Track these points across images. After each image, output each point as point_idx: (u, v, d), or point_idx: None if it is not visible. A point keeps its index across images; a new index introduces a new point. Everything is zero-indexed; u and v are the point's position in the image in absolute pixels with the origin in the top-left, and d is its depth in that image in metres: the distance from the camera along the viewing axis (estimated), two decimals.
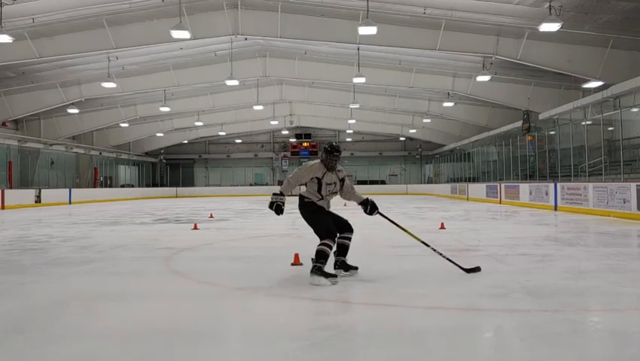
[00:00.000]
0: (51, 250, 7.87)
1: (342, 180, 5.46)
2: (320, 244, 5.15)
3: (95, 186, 33.76)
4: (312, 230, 5.35)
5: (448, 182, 34.87)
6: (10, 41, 14.17)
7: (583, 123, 17.33)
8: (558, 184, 16.56)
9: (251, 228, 11.35)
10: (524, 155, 22.92)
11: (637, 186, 12.11)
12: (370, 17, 14.07)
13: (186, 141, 42.03)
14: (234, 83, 21.39)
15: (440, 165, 39.57)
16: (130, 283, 5.43)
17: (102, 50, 17.87)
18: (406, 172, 44.58)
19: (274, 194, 5.27)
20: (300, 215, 5.39)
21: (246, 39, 19.25)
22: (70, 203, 26.40)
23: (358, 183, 42.99)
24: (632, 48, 16.14)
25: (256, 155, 45.06)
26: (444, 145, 38.56)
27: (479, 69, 19.42)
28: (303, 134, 43.82)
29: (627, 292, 4.73)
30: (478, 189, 25.70)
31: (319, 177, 5.26)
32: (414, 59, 20.92)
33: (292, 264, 6.02)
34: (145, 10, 16.35)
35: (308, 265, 5.97)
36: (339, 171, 5.44)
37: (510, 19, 15.47)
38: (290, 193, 5.32)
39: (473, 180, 29.36)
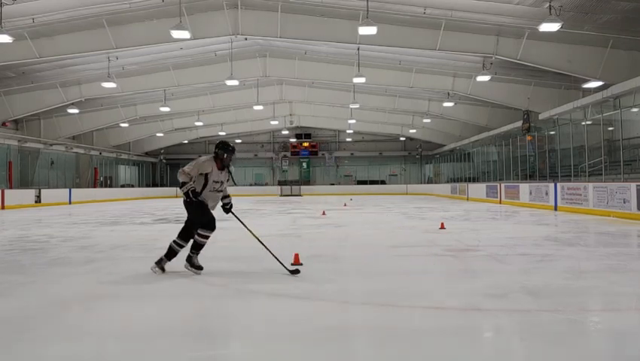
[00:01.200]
0: (51, 250, 7.87)
1: (228, 180, 5.78)
2: (199, 235, 5.61)
3: (95, 186, 33.77)
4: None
5: (448, 182, 34.88)
6: (10, 41, 14.16)
7: (583, 123, 17.33)
8: (558, 184, 16.56)
9: (250, 228, 11.34)
10: (524, 155, 22.92)
11: (637, 186, 12.11)
12: (370, 17, 14.06)
13: (186, 141, 42.03)
14: (234, 83, 21.39)
15: (440, 165, 39.59)
16: (130, 283, 5.43)
17: (102, 50, 17.86)
18: (407, 172, 44.59)
19: (181, 187, 5.58)
20: (184, 204, 5.70)
21: (246, 39, 19.25)
22: (70, 203, 26.40)
23: (358, 183, 43.11)
24: (632, 48, 16.14)
25: (256, 155, 45.06)
26: (444, 145, 38.56)
27: (479, 69, 19.41)
28: (303, 134, 43.83)
29: (627, 292, 4.73)
30: (478, 189, 25.71)
31: (207, 173, 5.51)
32: (414, 59, 20.92)
33: (292, 264, 6.01)
34: (145, 10, 16.35)
35: (308, 264, 6.00)
36: (228, 170, 5.71)
37: (510, 19, 15.47)
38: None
39: (474, 180, 29.37)
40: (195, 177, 5.51)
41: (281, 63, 23.04)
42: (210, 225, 5.60)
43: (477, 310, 4.16)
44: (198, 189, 5.52)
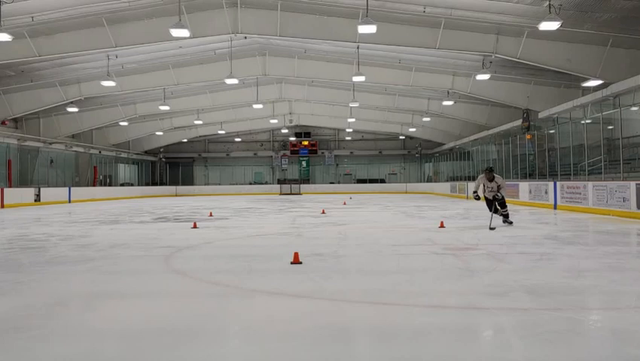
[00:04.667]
0: (51, 249, 7.86)
1: (498, 186, 10.54)
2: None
3: (94, 185, 33.77)
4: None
5: (447, 181, 34.89)
6: (10, 40, 14.13)
7: (583, 122, 17.32)
8: (557, 183, 16.56)
9: (250, 227, 11.36)
10: (524, 153, 22.91)
11: (636, 184, 12.11)
12: (369, 16, 14.04)
13: (185, 140, 42.01)
14: (234, 81, 21.37)
15: (440, 164, 39.59)
16: (130, 281, 5.43)
17: (101, 48, 17.84)
18: (406, 171, 44.60)
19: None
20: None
21: (246, 38, 19.23)
22: (69, 202, 26.40)
23: (357, 182, 43.14)
24: (631, 47, 16.14)
25: (255, 154, 45.05)
26: (444, 144, 38.57)
27: (478, 68, 19.40)
28: (302, 132, 43.82)
29: (626, 291, 4.73)
30: None
31: (483, 184, 10.72)
32: (414, 58, 20.91)
33: (291, 263, 6.01)
34: (145, 9, 16.34)
35: (308, 263, 6.00)
36: (495, 181, 10.56)
37: (510, 18, 15.46)
38: (477, 192, 10.95)
39: (473, 178, 29.30)
40: (479, 187, 10.86)
41: (280, 62, 23.03)
42: (487, 206, 10.80)
43: (477, 308, 4.16)
44: (479, 193, 10.92)
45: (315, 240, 8.65)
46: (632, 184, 12.29)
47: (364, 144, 44.13)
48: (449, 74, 22.59)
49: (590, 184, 14.31)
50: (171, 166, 43.68)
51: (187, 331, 3.56)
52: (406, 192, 39.48)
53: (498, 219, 10.70)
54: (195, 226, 11.05)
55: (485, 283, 5.03)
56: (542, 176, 20.10)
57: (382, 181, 43.26)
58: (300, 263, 5.96)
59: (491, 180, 10.60)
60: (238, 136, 43.70)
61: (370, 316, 4.01)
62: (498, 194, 10.52)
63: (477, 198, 10.97)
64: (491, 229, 9.76)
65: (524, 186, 19.44)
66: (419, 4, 15.34)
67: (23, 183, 26.04)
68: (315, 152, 44.31)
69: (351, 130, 40.89)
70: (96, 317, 4.06)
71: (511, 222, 10.72)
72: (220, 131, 38.87)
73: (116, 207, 20.85)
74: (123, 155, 38.65)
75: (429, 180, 41.48)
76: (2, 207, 21.02)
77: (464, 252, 7.06)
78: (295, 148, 44.35)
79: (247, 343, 3.47)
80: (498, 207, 10.65)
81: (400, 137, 42.25)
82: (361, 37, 16.59)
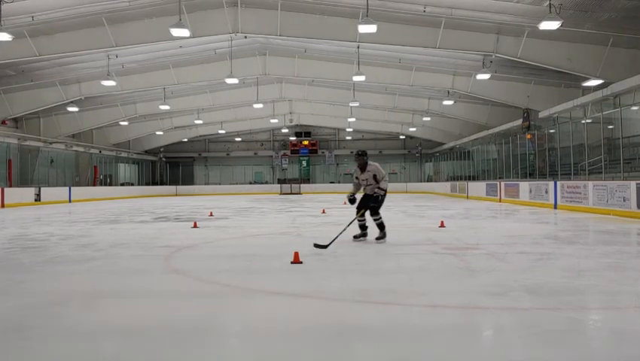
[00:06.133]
0: (51, 249, 7.86)
1: (374, 176, 7.72)
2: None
3: (94, 185, 33.78)
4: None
5: (448, 180, 34.88)
6: (10, 39, 14.13)
7: (583, 122, 17.33)
8: (558, 182, 16.56)
9: (250, 226, 11.37)
10: (524, 153, 22.92)
11: (637, 184, 12.11)
12: (370, 15, 14.04)
13: (186, 140, 42.00)
14: (234, 81, 21.37)
15: (440, 164, 39.59)
16: (130, 281, 5.42)
17: (101, 48, 17.84)
18: (406, 171, 44.58)
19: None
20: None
21: (246, 37, 19.21)
22: (70, 201, 26.40)
23: None
24: (632, 46, 16.13)
25: (256, 153, 45.04)
26: (444, 143, 38.56)
27: (479, 67, 19.39)
28: (302, 132, 43.82)
29: (626, 291, 4.73)
30: (478, 187, 25.71)
31: (357, 177, 7.88)
32: (414, 57, 20.90)
33: (291, 262, 6.01)
34: (145, 9, 16.34)
35: (308, 263, 6.00)
36: (368, 171, 7.73)
37: (511, 18, 15.46)
38: (356, 191, 8.06)
39: (473, 178, 29.37)
40: (358, 186, 7.99)
41: (280, 61, 23.02)
42: (359, 205, 7.87)
43: (477, 308, 4.16)
44: (355, 191, 8.03)
45: (315, 240, 8.64)
46: (633, 184, 12.28)
47: (364, 144, 43.98)
48: (450, 74, 22.58)
49: (590, 184, 14.30)
50: (171, 166, 43.68)
51: (186, 330, 3.56)
52: (406, 192, 39.45)
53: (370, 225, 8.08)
54: (195, 226, 11.05)
55: (485, 282, 5.03)
56: (542, 176, 20.10)
57: None
58: (300, 263, 5.96)
59: (363, 168, 7.74)
60: (238, 136, 43.68)
61: (370, 316, 4.00)
62: (377, 190, 7.66)
63: (352, 200, 7.98)
64: (354, 237, 7.71)
65: (524, 185, 19.44)
66: (420, 4, 15.33)
67: (23, 182, 26.04)
68: (316, 151, 44.30)
69: (351, 130, 40.87)
70: (96, 317, 4.06)
71: (382, 237, 7.86)
72: (220, 131, 38.87)
73: (116, 207, 20.85)
74: (124, 155, 38.66)
75: (429, 180, 41.47)
76: (2, 206, 21.02)
77: (464, 252, 7.06)
78: (295, 148, 44.33)
79: (247, 342, 3.47)
80: (369, 211, 7.83)
81: (401, 136, 42.23)
82: (361, 37, 16.58)
